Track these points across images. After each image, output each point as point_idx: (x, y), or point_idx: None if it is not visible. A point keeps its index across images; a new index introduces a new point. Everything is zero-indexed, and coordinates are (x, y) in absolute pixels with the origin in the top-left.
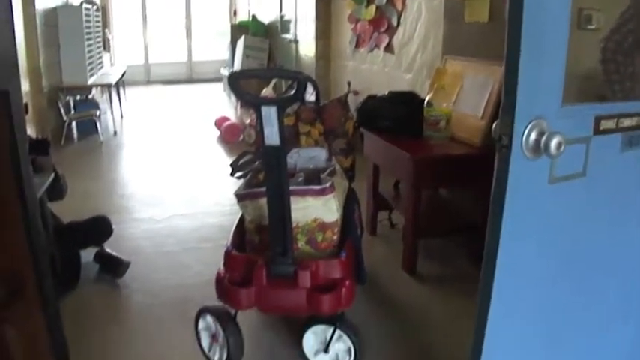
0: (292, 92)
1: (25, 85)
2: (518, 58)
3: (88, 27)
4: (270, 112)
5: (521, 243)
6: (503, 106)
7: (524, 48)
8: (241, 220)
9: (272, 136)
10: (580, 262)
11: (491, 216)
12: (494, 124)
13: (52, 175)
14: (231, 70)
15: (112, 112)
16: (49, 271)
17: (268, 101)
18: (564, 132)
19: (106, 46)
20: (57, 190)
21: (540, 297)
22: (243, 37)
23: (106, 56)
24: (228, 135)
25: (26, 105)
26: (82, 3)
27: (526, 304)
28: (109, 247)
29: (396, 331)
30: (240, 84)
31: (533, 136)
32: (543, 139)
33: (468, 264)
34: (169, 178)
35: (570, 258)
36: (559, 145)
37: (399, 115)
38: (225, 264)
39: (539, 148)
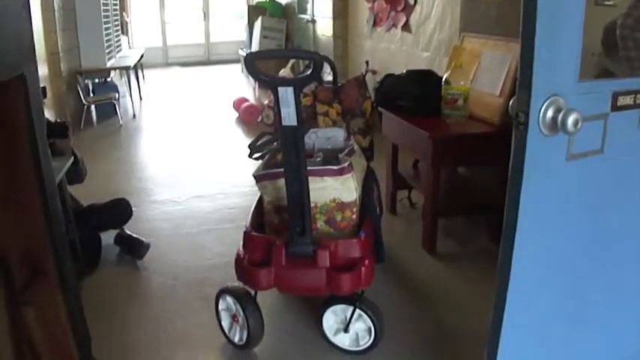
0: (309, 72)
1: (43, 70)
2: (534, 34)
3: (106, 10)
4: (286, 93)
5: (539, 220)
6: (520, 83)
7: (539, 24)
8: (260, 201)
9: (289, 116)
10: (599, 238)
11: (508, 193)
12: (511, 101)
13: (72, 159)
14: (248, 52)
15: (130, 95)
16: (68, 254)
17: (285, 82)
18: (582, 108)
19: (123, 29)
20: (76, 174)
21: (559, 275)
22: (260, 17)
23: (123, 39)
24: (247, 116)
25: (44, 89)
26: None
27: (545, 283)
28: (128, 230)
29: (416, 310)
30: (256, 65)
31: (550, 113)
32: (560, 115)
33: (488, 242)
34: (188, 159)
35: (589, 235)
36: (576, 121)
37: (416, 93)
38: (244, 245)
39: (556, 125)
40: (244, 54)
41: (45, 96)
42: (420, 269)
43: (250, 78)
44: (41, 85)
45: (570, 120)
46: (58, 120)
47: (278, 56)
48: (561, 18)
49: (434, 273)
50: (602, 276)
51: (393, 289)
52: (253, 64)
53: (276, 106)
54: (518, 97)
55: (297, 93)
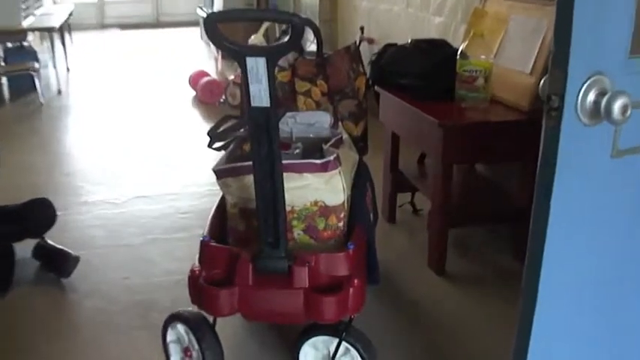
0: (286, 40)
1: None
2: None
3: None
4: (257, 66)
5: (574, 234)
6: (554, 58)
7: None
8: (222, 204)
9: (260, 95)
10: None
11: (536, 199)
12: (542, 81)
13: None
14: (209, 12)
15: (54, 65)
16: None
17: (255, 51)
18: (633, 91)
19: None
20: None
21: (598, 303)
22: None
23: None
24: (207, 94)
25: None
26: None
27: (580, 312)
28: (51, 239)
29: (419, 344)
30: (220, 29)
31: (591, 97)
32: (604, 100)
33: (511, 261)
34: (129, 150)
35: (637, 253)
36: (624, 108)
37: (425, 69)
38: (200, 259)
39: (599, 112)
40: (204, 14)
41: None
42: (424, 293)
43: (211, 46)
44: None
45: (617, 105)
46: None
47: (247, 18)
48: None
49: (442, 298)
50: None
51: (389, 318)
52: (215, 27)
53: (244, 82)
54: (551, 76)
55: (270, 66)
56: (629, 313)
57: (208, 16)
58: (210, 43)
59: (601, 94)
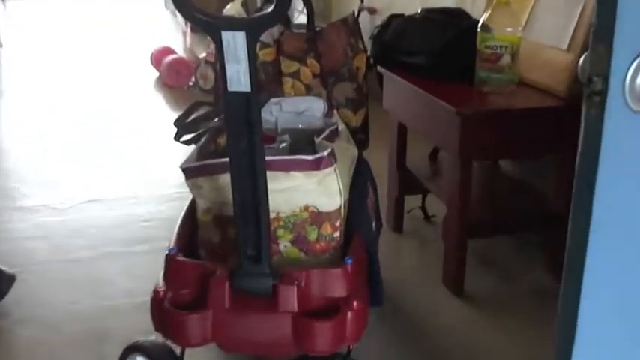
0: (269, 10)
1: None
2: None
3: None
4: (235, 41)
5: (622, 242)
6: (596, 32)
7: None
8: (192, 209)
9: (238, 77)
10: None
11: (575, 199)
12: (581, 59)
13: None
14: None
15: None
16: None
17: (233, 24)
18: None
19: None
20: None
21: None
22: None
23: None
24: (173, 76)
25: None
26: None
27: (631, 340)
28: None
29: None
30: None
31: None
32: None
33: (543, 275)
34: (78, 144)
35: None
36: None
37: (437, 46)
38: (166, 276)
39: None
40: None
41: None
42: (438, 316)
43: (179, 16)
44: None
45: None
46: None
47: None
48: None
49: (459, 322)
50: None
51: (396, 348)
52: None
53: (219, 61)
54: (593, 54)
55: (251, 42)
56: None
57: None
58: (178, 13)
59: None
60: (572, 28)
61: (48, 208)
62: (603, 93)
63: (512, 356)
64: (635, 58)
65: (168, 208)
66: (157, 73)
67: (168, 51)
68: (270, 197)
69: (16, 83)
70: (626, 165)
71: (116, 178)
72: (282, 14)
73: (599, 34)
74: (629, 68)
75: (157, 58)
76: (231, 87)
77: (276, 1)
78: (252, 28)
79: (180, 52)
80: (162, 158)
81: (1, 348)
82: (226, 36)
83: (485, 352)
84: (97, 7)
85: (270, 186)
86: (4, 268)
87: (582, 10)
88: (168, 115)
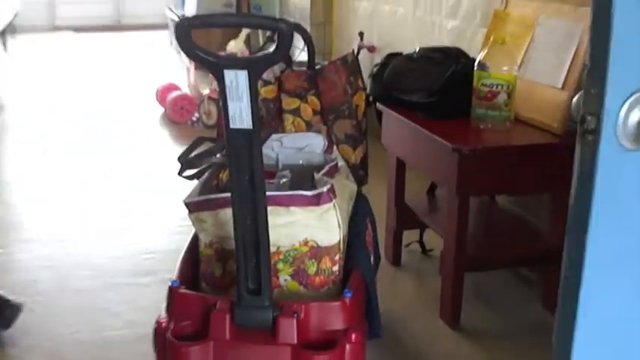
0: (272, 49)
1: None
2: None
3: None
4: (237, 80)
5: (616, 278)
6: (589, 73)
7: None
8: (194, 242)
9: (240, 115)
10: None
11: (569, 237)
12: (574, 98)
13: None
14: (181, 15)
15: None
16: None
17: (236, 63)
18: None
19: None
20: None
21: None
22: None
23: None
24: (177, 112)
25: None
26: None
27: None
28: None
29: None
30: (192, 36)
31: (635, 117)
32: None
33: (540, 311)
34: (82, 176)
35: None
36: None
37: (435, 84)
38: (168, 308)
39: None
40: (174, 17)
41: None
42: (435, 348)
43: (183, 55)
44: None
45: None
46: None
47: (227, 24)
48: None
49: (456, 354)
50: None
51: None
52: (188, 34)
53: (221, 99)
54: (586, 93)
55: (253, 80)
56: None
57: (181, 21)
58: (182, 51)
59: None
60: (566, 67)
61: (53, 240)
62: (596, 132)
63: None
64: (627, 98)
65: (171, 242)
66: (161, 109)
67: (172, 87)
68: (270, 231)
69: (23, 117)
70: (620, 203)
71: (120, 211)
72: (284, 54)
73: (593, 75)
74: (621, 108)
75: (162, 95)
76: (234, 124)
77: (278, 41)
78: (254, 67)
79: (184, 89)
80: (166, 193)
81: None
82: (229, 74)
83: None
84: (104, 43)
85: (271, 220)
86: (10, 297)
87: (576, 50)
88: (172, 150)
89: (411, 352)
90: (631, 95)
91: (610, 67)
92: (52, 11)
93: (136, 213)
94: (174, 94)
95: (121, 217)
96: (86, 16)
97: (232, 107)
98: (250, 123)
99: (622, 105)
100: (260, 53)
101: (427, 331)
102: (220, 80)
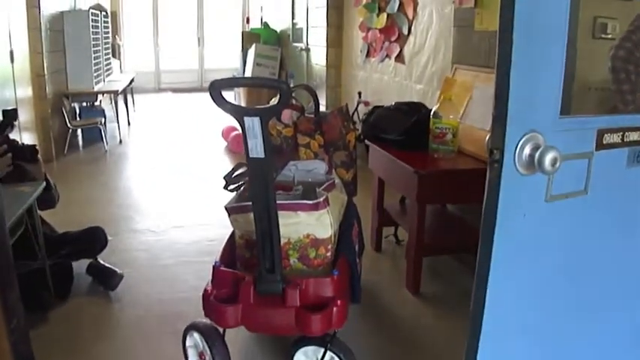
0: (275, 102)
1: (27, 91)
2: (509, 64)
3: (96, 33)
4: (253, 123)
5: (515, 264)
6: (495, 118)
7: (516, 52)
8: (232, 235)
9: (256, 148)
10: (581, 285)
11: (481, 237)
12: (486, 138)
13: (43, 184)
14: (213, 80)
15: (117, 120)
16: (14, 282)
17: (251, 112)
18: (563, 146)
19: (115, 52)
20: (48, 199)
21: (536, 323)
22: (254, 45)
23: (115, 63)
24: (235, 145)
25: (15, 111)
26: (89, 8)
27: (520, 331)
28: (104, 259)
29: (395, 353)
30: (221, 94)
31: (527, 151)
32: (538, 154)
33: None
34: (172, 188)
35: (570, 281)
36: (554, 160)
37: (404, 126)
38: (212, 280)
39: (533, 164)
40: None
41: (15, 118)
42: (401, 310)
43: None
44: (14, 107)
45: (548, 159)
46: (27, 144)
47: (243, 84)
48: (541, 48)
49: (416, 315)
50: (584, 324)
51: (370, 331)
52: (219, 92)
53: (243, 137)
54: (493, 133)
55: (264, 123)
56: (572, 328)
57: (212, 83)
58: (215, 104)
59: (535, 148)
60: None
61: (149, 231)
62: (500, 162)
63: (450, 335)
64: (521, 138)
65: (225, 234)
66: (225, 143)
67: (232, 128)
68: (283, 228)
69: (137, 149)
70: (517, 211)
71: (195, 212)
72: (284, 105)
73: (497, 120)
74: (517, 144)
75: (226, 133)
76: (252, 155)
77: (279, 98)
78: (264, 114)
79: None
80: (224, 200)
81: (113, 321)
82: (247, 120)
83: (432, 334)
84: (191, 100)
85: (284, 221)
86: (117, 269)
87: None
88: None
89: (383, 311)
90: (523, 136)
91: (510, 116)
92: (158, 78)
93: (204, 213)
94: (234, 133)
95: (194, 216)
96: (180, 81)
97: (250, 143)
98: (263, 154)
99: (517, 143)
100: (267, 105)
101: (396, 297)
102: (242, 124)
